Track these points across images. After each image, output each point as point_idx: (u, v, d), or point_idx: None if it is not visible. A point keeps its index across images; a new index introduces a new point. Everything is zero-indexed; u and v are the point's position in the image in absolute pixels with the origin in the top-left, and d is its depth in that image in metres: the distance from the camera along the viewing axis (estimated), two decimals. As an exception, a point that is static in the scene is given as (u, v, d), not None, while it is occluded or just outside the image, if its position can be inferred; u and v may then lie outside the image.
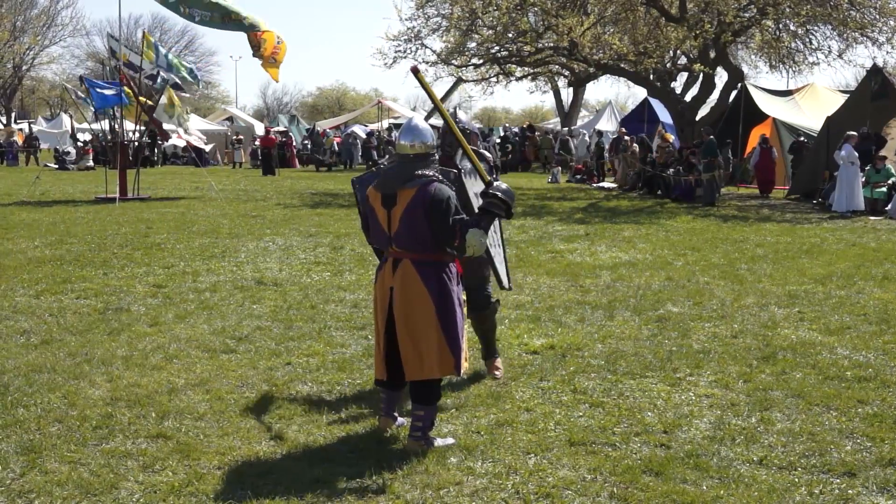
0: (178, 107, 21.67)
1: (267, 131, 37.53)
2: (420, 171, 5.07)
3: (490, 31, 25.35)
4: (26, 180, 25.09)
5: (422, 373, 5.10)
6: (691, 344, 7.49)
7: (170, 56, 21.37)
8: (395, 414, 5.43)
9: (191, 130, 23.88)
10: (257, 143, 37.82)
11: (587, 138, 34.78)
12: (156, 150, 37.15)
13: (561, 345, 7.42)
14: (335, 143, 42.71)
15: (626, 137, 27.21)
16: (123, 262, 11.54)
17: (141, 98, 21.42)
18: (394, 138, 34.40)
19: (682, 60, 29.10)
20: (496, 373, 6.54)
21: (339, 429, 5.43)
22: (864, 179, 18.99)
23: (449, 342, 5.09)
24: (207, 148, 36.04)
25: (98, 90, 21.23)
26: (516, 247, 13.02)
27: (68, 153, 36.94)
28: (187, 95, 21.97)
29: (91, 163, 35.92)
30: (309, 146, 39.97)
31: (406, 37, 25.67)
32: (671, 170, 22.90)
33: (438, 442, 5.12)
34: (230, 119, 48.35)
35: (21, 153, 39.85)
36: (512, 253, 12.37)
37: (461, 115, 6.22)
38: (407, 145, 5.14)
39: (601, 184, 27.91)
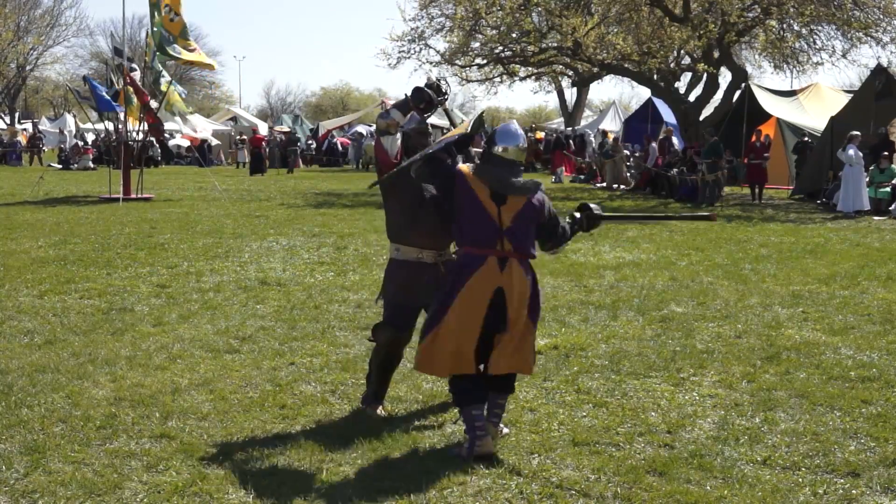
0: (178, 102, 21.74)
1: (254, 131, 37.62)
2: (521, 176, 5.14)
3: (494, 32, 25.38)
4: (30, 180, 25.12)
5: (522, 366, 5.19)
6: (695, 344, 7.48)
7: (157, 64, 21.39)
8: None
9: (194, 126, 24.09)
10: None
11: (587, 140, 34.80)
12: (159, 150, 37.19)
13: (565, 345, 7.42)
14: (339, 142, 42.81)
15: (612, 140, 27.33)
16: (127, 262, 11.55)
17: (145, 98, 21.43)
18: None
19: (686, 60, 29.10)
20: None
21: (342, 429, 5.42)
22: (868, 179, 18.99)
23: (533, 341, 5.27)
24: (209, 136, 36.05)
25: (99, 93, 21.26)
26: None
27: (68, 151, 37.07)
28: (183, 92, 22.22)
29: (90, 163, 35.98)
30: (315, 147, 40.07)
31: (410, 37, 25.73)
32: (675, 170, 22.90)
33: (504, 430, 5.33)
34: (234, 119, 48.41)
35: (25, 153, 39.90)
36: (515, 253, 12.37)
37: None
38: (510, 149, 5.12)
39: (603, 183, 27.93)
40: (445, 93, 5.75)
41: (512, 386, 5.27)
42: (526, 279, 5.08)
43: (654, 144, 26.68)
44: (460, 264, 5.14)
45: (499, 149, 5.11)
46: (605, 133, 33.01)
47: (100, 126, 23.18)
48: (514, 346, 5.08)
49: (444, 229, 5.62)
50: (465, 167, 5.16)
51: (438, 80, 5.76)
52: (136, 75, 21.42)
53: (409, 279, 5.63)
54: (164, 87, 21.12)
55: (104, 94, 21.20)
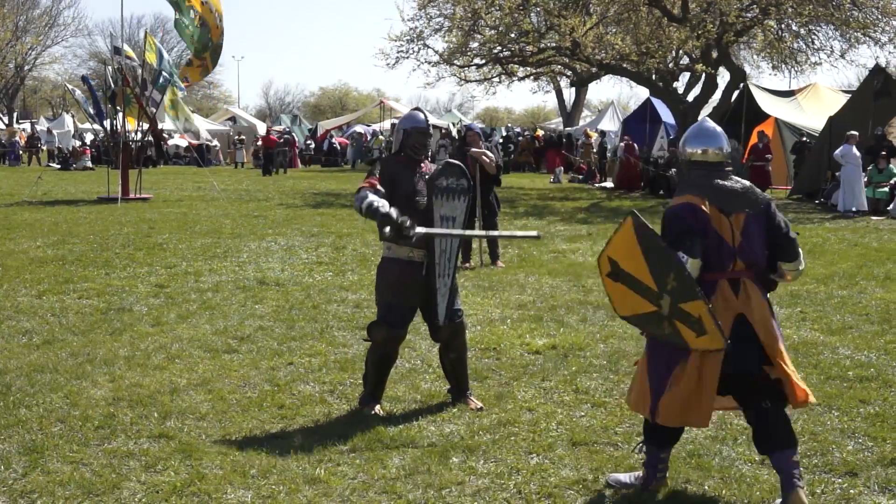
0: (183, 107, 21.70)
1: (267, 131, 37.62)
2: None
3: (492, 32, 25.35)
4: (29, 180, 25.11)
5: (806, 396, 4.39)
6: (693, 344, 7.47)
7: (170, 67, 21.36)
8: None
9: (199, 131, 24.25)
10: (259, 142, 37.90)
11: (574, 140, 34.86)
12: (157, 150, 37.13)
13: (563, 345, 7.42)
14: (337, 143, 42.76)
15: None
16: (125, 262, 11.55)
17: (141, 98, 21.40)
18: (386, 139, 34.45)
19: (685, 60, 29.09)
20: (476, 406, 5.85)
21: (340, 429, 5.42)
22: (866, 179, 19.01)
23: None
24: (211, 141, 35.95)
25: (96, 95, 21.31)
26: (518, 247, 13.02)
27: (69, 153, 37.06)
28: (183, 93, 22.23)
29: (89, 163, 35.97)
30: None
31: (408, 37, 25.70)
32: (674, 170, 22.91)
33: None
34: (232, 119, 48.37)
35: (23, 153, 39.87)
36: (514, 253, 12.38)
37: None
38: (709, 151, 4.50)
39: (603, 184, 27.95)
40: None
41: (794, 438, 4.36)
42: (764, 301, 4.41)
43: (622, 144, 26.99)
44: None
45: (697, 152, 4.50)
46: (603, 133, 33.00)
47: (98, 126, 23.16)
48: (788, 378, 4.35)
49: None
50: (689, 199, 4.38)
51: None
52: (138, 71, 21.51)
53: (400, 277, 5.65)
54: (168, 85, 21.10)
55: (96, 99, 21.28)
